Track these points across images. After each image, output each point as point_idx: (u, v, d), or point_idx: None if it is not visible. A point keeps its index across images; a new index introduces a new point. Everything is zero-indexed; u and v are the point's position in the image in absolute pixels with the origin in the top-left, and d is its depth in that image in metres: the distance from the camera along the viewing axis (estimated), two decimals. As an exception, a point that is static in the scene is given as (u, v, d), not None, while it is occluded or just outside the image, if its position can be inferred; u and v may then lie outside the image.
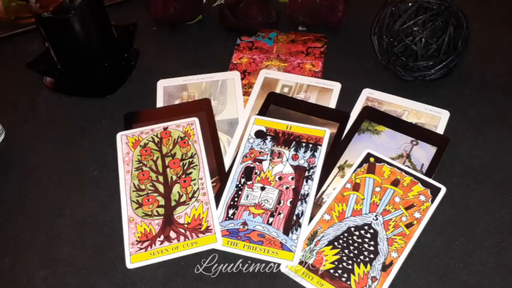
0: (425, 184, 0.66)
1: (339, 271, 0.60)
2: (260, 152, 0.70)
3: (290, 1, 0.87)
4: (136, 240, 0.63)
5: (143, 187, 0.68)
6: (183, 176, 0.68)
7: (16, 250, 0.65)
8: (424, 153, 0.70)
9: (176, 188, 0.67)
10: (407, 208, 0.64)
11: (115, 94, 0.81)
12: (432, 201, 0.64)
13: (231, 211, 0.65)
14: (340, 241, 0.62)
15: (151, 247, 0.62)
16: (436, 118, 0.74)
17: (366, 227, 0.63)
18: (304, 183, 0.67)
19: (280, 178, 0.67)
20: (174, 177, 0.68)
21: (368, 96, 0.77)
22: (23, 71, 0.82)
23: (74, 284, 0.62)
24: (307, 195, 0.66)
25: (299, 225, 0.63)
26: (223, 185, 0.68)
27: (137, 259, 0.62)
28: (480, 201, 0.66)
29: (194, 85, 0.80)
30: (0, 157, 0.74)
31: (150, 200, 0.66)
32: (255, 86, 0.79)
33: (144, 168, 0.69)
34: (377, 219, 0.63)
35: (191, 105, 0.77)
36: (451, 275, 0.60)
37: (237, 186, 0.67)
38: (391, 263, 0.60)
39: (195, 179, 0.68)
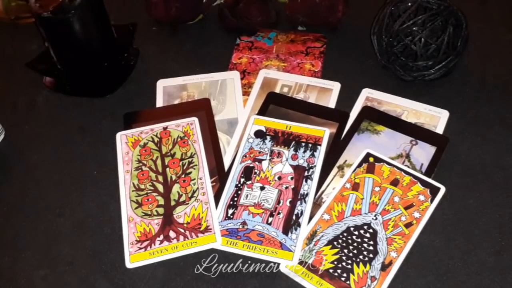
0: (424, 183, 0.66)
1: (339, 271, 0.60)
2: (259, 152, 0.70)
3: (289, 1, 0.87)
4: (136, 240, 0.63)
5: (142, 186, 0.68)
6: (183, 175, 0.68)
7: (15, 250, 0.65)
8: (424, 152, 0.70)
9: (176, 188, 0.67)
10: (406, 208, 0.64)
11: (115, 94, 0.81)
12: (432, 201, 0.64)
13: (230, 211, 0.65)
14: (340, 241, 0.62)
15: (150, 247, 0.62)
16: (436, 118, 0.74)
17: (365, 227, 0.63)
18: (304, 182, 0.67)
19: (279, 178, 0.67)
20: (174, 177, 0.68)
21: (367, 96, 0.77)
22: (23, 71, 0.82)
23: (74, 284, 0.62)
24: (307, 194, 0.66)
25: (299, 225, 0.63)
26: (222, 185, 0.68)
27: (136, 258, 0.62)
28: (479, 201, 0.66)
29: (194, 85, 0.80)
30: (0, 157, 0.74)
31: (150, 199, 0.66)
32: (254, 86, 0.80)
33: (143, 168, 0.69)
34: (376, 218, 0.63)
35: (190, 105, 0.77)
36: (451, 274, 0.60)
37: (236, 185, 0.67)
38: (390, 263, 0.60)
39: (194, 179, 0.68)
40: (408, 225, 0.62)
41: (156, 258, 0.62)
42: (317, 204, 0.66)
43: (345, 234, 0.62)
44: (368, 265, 0.60)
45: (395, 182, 0.66)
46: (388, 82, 0.79)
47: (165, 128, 0.74)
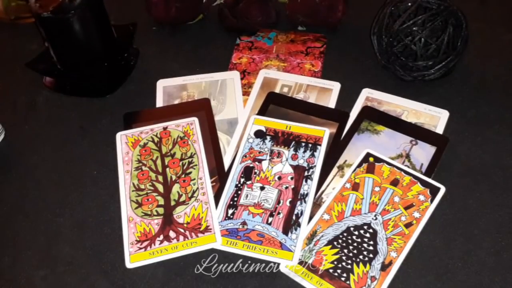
0: (424, 183, 0.66)
1: (339, 271, 0.60)
2: (259, 152, 0.70)
3: (289, 1, 0.87)
4: (136, 240, 0.63)
5: (142, 186, 0.68)
6: (183, 175, 0.68)
7: (15, 250, 0.65)
8: (424, 152, 0.70)
9: (176, 188, 0.67)
10: (406, 208, 0.64)
11: (114, 94, 0.81)
12: (432, 201, 0.64)
13: (230, 211, 0.65)
14: (340, 241, 0.62)
15: (150, 247, 0.62)
16: (436, 118, 0.74)
17: (365, 227, 0.63)
18: (304, 182, 0.67)
19: (279, 178, 0.67)
20: (174, 177, 0.68)
21: (367, 96, 0.77)
22: (23, 71, 0.82)
23: (74, 284, 0.62)
24: (307, 194, 0.66)
25: (299, 225, 0.63)
26: (222, 185, 0.68)
27: (136, 258, 0.62)
28: (479, 201, 0.66)
29: (194, 85, 0.80)
30: (0, 157, 0.74)
31: (150, 199, 0.66)
32: (254, 86, 0.80)
33: (143, 168, 0.69)
34: (376, 218, 0.63)
35: (190, 105, 0.77)
36: (451, 274, 0.60)
37: (236, 185, 0.67)
38: (390, 263, 0.60)
39: (194, 179, 0.68)
40: (408, 225, 0.62)
41: (156, 258, 0.62)
42: (317, 204, 0.66)
43: (345, 234, 0.62)
44: (368, 265, 0.60)
45: (395, 182, 0.66)
46: (388, 82, 0.79)
47: (165, 128, 0.74)
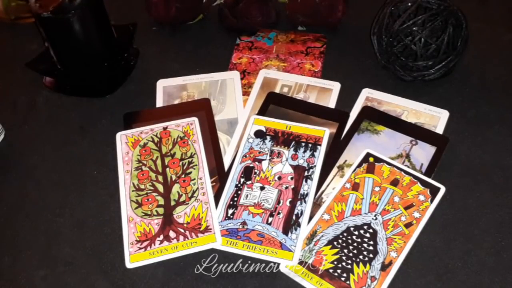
0: (424, 183, 0.66)
1: (339, 271, 0.60)
2: (259, 152, 0.70)
3: (289, 1, 0.87)
4: (136, 240, 0.63)
5: (142, 186, 0.68)
6: (183, 175, 0.68)
7: (15, 250, 0.65)
8: (424, 152, 0.70)
9: (176, 188, 0.67)
10: (406, 208, 0.64)
11: (114, 94, 0.81)
12: (432, 201, 0.64)
13: (230, 211, 0.65)
14: (340, 241, 0.62)
15: (150, 247, 0.62)
16: (436, 118, 0.74)
17: (365, 227, 0.63)
18: (304, 182, 0.67)
19: (279, 178, 0.67)
20: (174, 177, 0.68)
21: (367, 96, 0.77)
22: (23, 71, 0.82)
23: (74, 284, 0.62)
24: (307, 194, 0.66)
25: (299, 225, 0.63)
26: (222, 185, 0.68)
27: (136, 258, 0.62)
28: (479, 201, 0.66)
29: (194, 85, 0.80)
30: (0, 157, 0.74)
31: (150, 199, 0.66)
32: (254, 86, 0.80)
33: (143, 168, 0.69)
34: (376, 218, 0.63)
35: (190, 105, 0.77)
36: (451, 274, 0.60)
37: (236, 185, 0.67)
38: (390, 263, 0.60)
39: (194, 179, 0.68)
40: (408, 225, 0.62)
41: (156, 258, 0.62)
42: (317, 204, 0.66)
43: (345, 234, 0.62)
44: (368, 265, 0.60)
45: (395, 182, 0.66)
46: (388, 82, 0.79)
47: (165, 128, 0.74)
